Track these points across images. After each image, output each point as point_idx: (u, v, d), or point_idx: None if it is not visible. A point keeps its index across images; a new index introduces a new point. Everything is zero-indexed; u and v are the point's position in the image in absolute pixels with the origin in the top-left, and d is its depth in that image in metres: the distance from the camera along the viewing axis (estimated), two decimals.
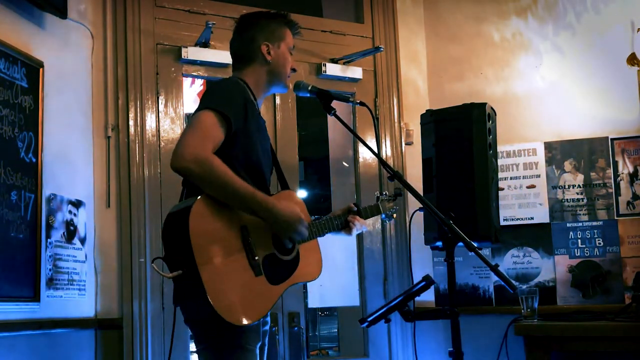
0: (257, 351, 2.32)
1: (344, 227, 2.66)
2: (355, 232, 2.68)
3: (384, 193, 2.92)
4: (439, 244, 3.02)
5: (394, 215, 2.95)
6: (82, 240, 3.37)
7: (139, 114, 3.58)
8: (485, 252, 4.00)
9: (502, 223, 3.77)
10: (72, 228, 3.30)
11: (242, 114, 2.34)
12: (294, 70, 2.63)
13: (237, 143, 2.31)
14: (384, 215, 2.90)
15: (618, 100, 3.91)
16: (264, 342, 2.49)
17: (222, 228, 2.21)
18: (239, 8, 3.90)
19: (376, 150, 2.68)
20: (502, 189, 3.93)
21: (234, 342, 2.22)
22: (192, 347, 3.78)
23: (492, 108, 3.43)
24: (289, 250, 2.42)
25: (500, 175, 3.89)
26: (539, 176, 4.01)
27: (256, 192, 2.24)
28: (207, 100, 2.31)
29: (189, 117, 2.37)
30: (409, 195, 4.02)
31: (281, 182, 2.62)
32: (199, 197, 2.18)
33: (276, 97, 3.91)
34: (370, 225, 4.04)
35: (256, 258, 2.26)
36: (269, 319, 2.56)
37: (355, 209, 2.70)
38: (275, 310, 3.70)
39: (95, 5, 3.58)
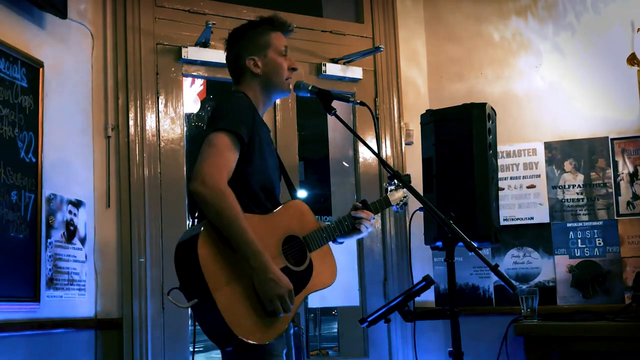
0: (284, 358, 2.34)
1: (353, 227, 2.61)
2: (365, 229, 2.61)
3: (393, 182, 2.81)
4: (439, 244, 3.02)
5: (407, 204, 2.83)
6: (82, 240, 3.37)
7: (139, 114, 3.58)
8: (485, 252, 4.00)
9: (502, 223, 3.77)
10: (72, 228, 3.30)
11: (252, 128, 2.37)
12: (293, 69, 2.59)
13: (251, 160, 2.35)
14: (395, 207, 2.80)
15: (618, 100, 3.91)
16: (290, 346, 2.51)
17: (230, 252, 2.21)
18: (238, 8, 3.90)
19: (376, 150, 2.68)
20: (502, 189, 3.93)
21: (260, 348, 2.24)
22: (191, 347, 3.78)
23: (492, 108, 3.43)
24: (302, 261, 2.41)
25: (500, 175, 3.89)
26: (539, 176, 4.01)
27: (254, 241, 2.21)
28: (218, 121, 2.32)
29: (202, 130, 2.36)
30: (409, 195, 4.02)
31: (289, 188, 2.63)
32: (204, 223, 2.22)
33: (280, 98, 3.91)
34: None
35: None
36: (291, 323, 2.55)
37: (361, 205, 2.64)
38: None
39: (95, 5, 3.58)
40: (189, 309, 2.27)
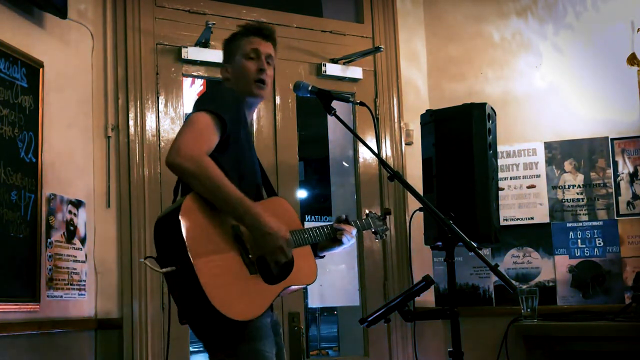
0: (269, 348, 2.26)
1: (334, 238, 2.58)
2: (346, 240, 2.59)
3: (373, 213, 2.86)
4: (439, 244, 3.02)
5: (385, 234, 2.86)
6: (82, 240, 3.37)
7: (139, 114, 3.58)
8: (485, 252, 4.00)
9: (502, 223, 3.77)
10: (72, 228, 3.30)
11: (236, 119, 2.33)
12: (261, 70, 2.49)
13: (228, 148, 2.30)
14: (374, 229, 2.81)
15: (618, 100, 3.91)
16: (281, 346, 2.48)
17: (214, 224, 2.17)
18: (238, 8, 3.90)
19: (376, 150, 2.67)
20: (502, 189, 3.93)
21: (251, 346, 2.18)
22: (191, 347, 3.78)
23: (492, 108, 3.44)
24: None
25: (500, 175, 3.89)
26: (539, 176, 4.01)
27: (245, 197, 2.19)
28: (203, 102, 2.31)
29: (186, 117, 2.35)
30: (409, 195, 4.02)
31: (270, 192, 2.56)
32: (188, 194, 2.17)
33: (276, 97, 3.91)
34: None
35: (250, 256, 2.21)
36: (278, 320, 2.53)
37: (344, 217, 2.64)
38: (275, 310, 3.70)
39: (95, 5, 3.58)
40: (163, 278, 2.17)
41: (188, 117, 2.27)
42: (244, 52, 2.51)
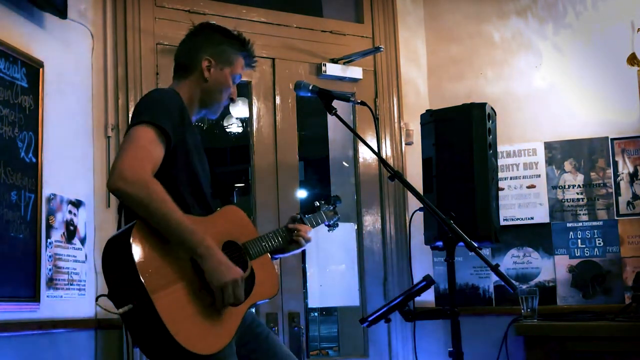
0: None
1: (291, 240, 2.50)
2: (303, 242, 2.51)
3: (322, 202, 2.78)
4: (439, 243, 3.02)
5: (337, 225, 2.82)
6: (82, 240, 3.37)
7: None
8: (485, 252, 4.00)
9: (502, 223, 3.77)
10: (72, 228, 3.30)
11: (181, 128, 2.17)
12: (232, 100, 2.43)
13: (177, 161, 2.15)
14: (326, 223, 2.76)
15: (618, 100, 3.91)
16: (265, 333, 2.41)
17: (167, 250, 1.99)
18: (238, 8, 3.90)
19: (376, 150, 2.67)
20: (502, 189, 3.93)
21: None
22: None
23: (492, 108, 3.43)
24: (243, 268, 2.18)
25: (500, 175, 3.89)
26: (539, 176, 4.01)
27: (196, 229, 2.01)
28: (142, 113, 2.11)
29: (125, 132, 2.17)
30: (409, 195, 4.02)
31: (223, 198, 2.40)
32: (135, 221, 1.98)
33: (276, 97, 3.91)
34: (370, 225, 4.04)
35: None
36: (252, 314, 2.44)
37: (299, 216, 2.57)
38: (275, 310, 3.71)
39: (95, 5, 3.58)
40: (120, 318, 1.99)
41: (127, 132, 2.09)
42: (235, 71, 2.41)
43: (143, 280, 1.89)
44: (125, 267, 1.91)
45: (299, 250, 2.56)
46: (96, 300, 1.98)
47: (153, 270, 1.93)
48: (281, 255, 2.56)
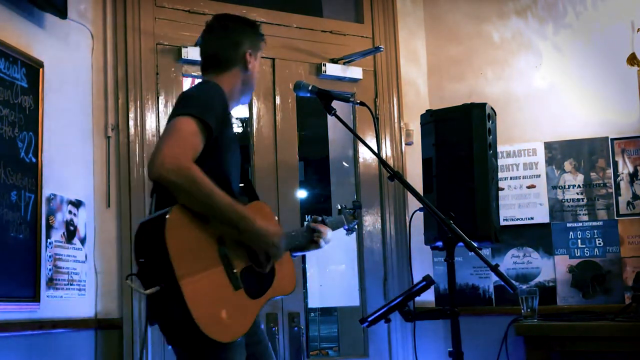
0: None
1: (311, 240, 2.59)
2: (323, 243, 2.60)
3: (344, 206, 2.87)
4: (439, 244, 3.02)
5: (355, 229, 2.92)
6: (82, 240, 3.37)
7: (139, 114, 3.58)
8: (485, 252, 4.00)
9: (502, 223, 3.77)
10: (72, 228, 3.30)
11: (222, 123, 2.23)
12: None
13: (213, 152, 2.21)
14: (345, 227, 2.84)
15: (618, 100, 3.91)
16: (263, 341, 2.48)
17: (199, 239, 2.08)
18: (238, 8, 3.90)
19: (376, 150, 2.68)
20: (502, 189, 3.93)
21: (220, 357, 2.12)
22: None
23: (492, 108, 3.43)
24: (265, 264, 2.31)
25: (500, 175, 3.89)
26: (539, 176, 4.01)
27: (236, 203, 2.14)
28: (187, 106, 2.18)
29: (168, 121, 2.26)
30: (409, 195, 4.02)
31: (250, 194, 2.48)
32: (174, 206, 2.05)
33: (276, 97, 3.91)
34: (370, 225, 4.04)
35: (234, 271, 2.15)
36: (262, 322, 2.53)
37: (320, 218, 2.64)
38: (275, 310, 3.71)
39: (95, 5, 3.58)
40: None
41: (171, 122, 2.15)
42: (260, 56, 2.53)
43: (174, 266, 1.97)
44: (158, 249, 1.98)
45: (317, 250, 2.65)
46: (126, 278, 2.08)
47: (183, 256, 2.00)
48: (300, 253, 2.63)
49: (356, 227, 2.93)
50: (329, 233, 2.62)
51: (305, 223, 2.67)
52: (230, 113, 2.36)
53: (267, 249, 2.22)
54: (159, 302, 2.03)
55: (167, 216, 2.00)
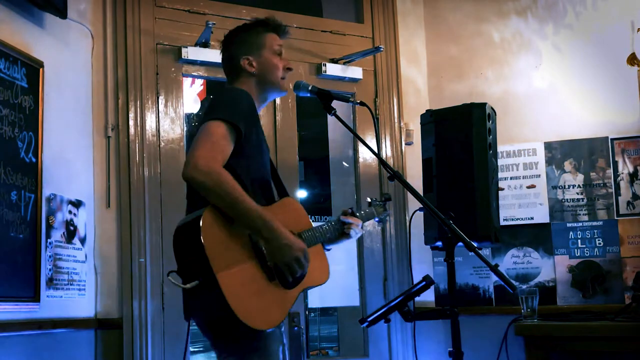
0: (280, 355, 2.33)
1: (342, 232, 2.64)
2: (354, 234, 2.66)
3: (374, 199, 2.92)
4: (439, 244, 3.02)
5: (387, 220, 2.98)
6: (82, 240, 3.37)
7: (139, 114, 3.58)
8: (485, 252, 4.00)
9: (502, 223, 3.77)
10: (72, 228, 3.30)
11: (250, 122, 2.37)
12: (289, 69, 2.61)
13: (243, 152, 2.34)
14: (377, 219, 2.90)
15: (618, 100, 3.91)
16: (284, 343, 2.50)
17: (232, 236, 2.22)
18: (238, 8, 3.90)
19: (376, 150, 2.68)
20: (502, 189, 3.93)
21: (257, 345, 2.24)
22: (192, 347, 3.77)
23: (492, 108, 3.43)
24: (289, 279, 2.38)
25: (500, 175, 3.89)
26: (539, 176, 4.01)
27: (261, 210, 2.24)
28: (216, 110, 2.31)
29: (197, 125, 2.39)
30: (409, 195, 4.02)
31: (280, 192, 2.61)
32: (206, 207, 2.20)
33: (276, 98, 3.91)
34: (370, 225, 4.04)
35: (268, 263, 2.26)
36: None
37: (350, 210, 2.69)
38: None
39: (95, 5, 3.58)
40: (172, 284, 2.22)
41: (202, 126, 2.29)
42: (272, 48, 2.58)
43: (210, 261, 2.12)
44: (195, 248, 2.14)
45: (347, 241, 2.70)
46: (167, 274, 2.20)
47: (219, 251, 2.16)
48: (332, 245, 2.67)
49: (387, 218, 2.96)
50: (360, 224, 2.68)
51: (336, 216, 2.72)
52: (257, 114, 2.48)
53: (287, 260, 2.26)
54: (198, 295, 2.17)
55: (201, 216, 2.17)
